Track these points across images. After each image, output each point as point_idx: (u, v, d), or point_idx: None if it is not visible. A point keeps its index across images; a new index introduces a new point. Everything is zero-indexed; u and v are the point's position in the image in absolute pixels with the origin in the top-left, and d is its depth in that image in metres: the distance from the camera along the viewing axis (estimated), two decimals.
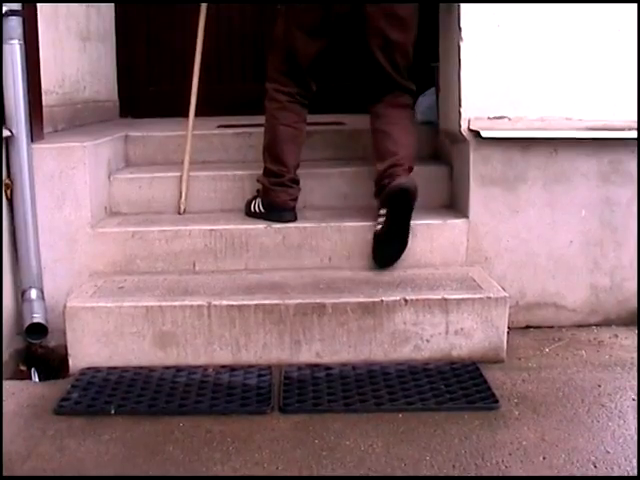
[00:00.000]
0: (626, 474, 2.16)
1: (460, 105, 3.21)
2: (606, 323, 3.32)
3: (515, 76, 3.20)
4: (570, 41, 3.19)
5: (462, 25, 3.16)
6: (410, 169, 3.24)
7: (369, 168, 3.49)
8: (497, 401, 2.56)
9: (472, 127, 3.19)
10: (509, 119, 3.21)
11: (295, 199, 3.38)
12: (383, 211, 3.17)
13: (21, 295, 3.12)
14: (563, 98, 3.22)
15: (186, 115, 3.76)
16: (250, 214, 3.43)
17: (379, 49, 3.18)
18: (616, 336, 3.19)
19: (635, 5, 3.14)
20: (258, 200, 3.42)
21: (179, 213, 3.53)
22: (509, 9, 3.16)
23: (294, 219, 3.34)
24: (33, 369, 3.08)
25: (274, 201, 3.34)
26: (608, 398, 2.61)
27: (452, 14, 3.24)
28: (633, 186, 3.25)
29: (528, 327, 3.29)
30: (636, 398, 2.60)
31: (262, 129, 3.42)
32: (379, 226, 3.18)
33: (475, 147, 3.23)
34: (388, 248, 3.21)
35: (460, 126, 3.22)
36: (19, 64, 3.04)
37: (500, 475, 2.16)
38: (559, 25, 3.18)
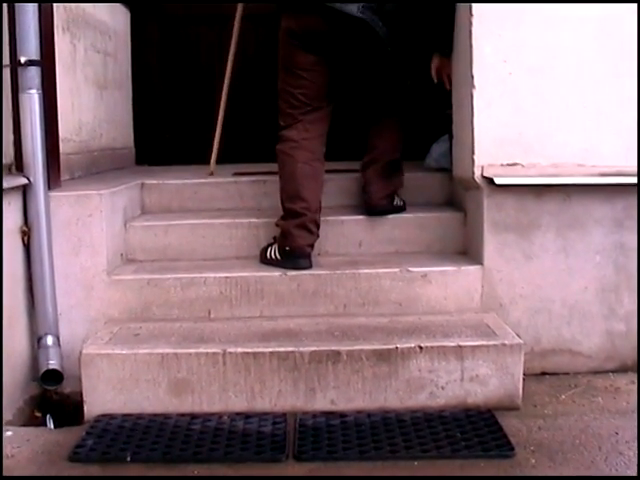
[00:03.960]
0: None
1: (473, 152, 3.22)
2: (622, 369, 3.30)
3: (527, 123, 3.22)
4: (581, 88, 3.22)
5: (474, 73, 3.18)
6: (390, 162, 3.57)
7: (383, 216, 3.55)
8: (513, 449, 2.54)
9: (485, 174, 3.21)
10: (522, 166, 3.23)
11: (312, 245, 3.41)
12: None
13: (37, 341, 3.13)
14: (575, 144, 3.23)
15: (202, 163, 3.85)
16: (265, 261, 3.45)
17: None
18: (633, 382, 3.16)
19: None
20: (274, 247, 3.44)
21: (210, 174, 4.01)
22: (520, 57, 3.19)
23: (309, 266, 3.35)
24: (48, 416, 3.08)
25: (291, 245, 3.35)
26: (626, 446, 2.59)
27: (464, 62, 3.27)
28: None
29: (544, 374, 3.27)
30: None
31: (277, 177, 3.46)
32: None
33: (489, 194, 3.24)
34: None
35: (474, 173, 3.23)
36: (37, 113, 3.08)
37: None
38: (570, 72, 3.21)
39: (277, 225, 3.47)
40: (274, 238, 3.48)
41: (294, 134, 3.43)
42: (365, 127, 3.68)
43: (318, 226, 3.43)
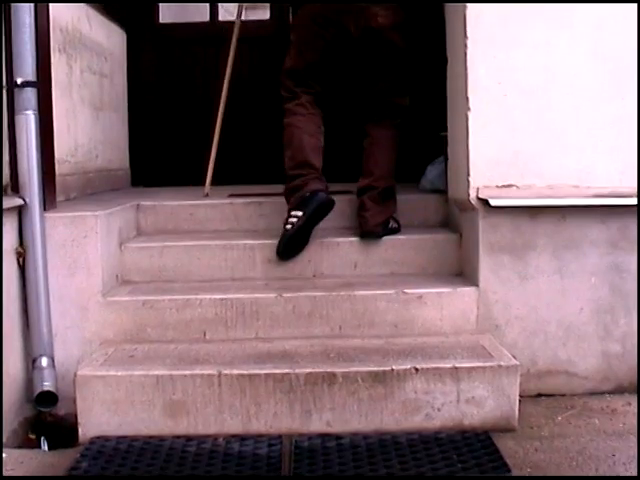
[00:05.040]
0: None
1: (468, 174, 3.24)
2: (619, 390, 3.29)
3: (522, 144, 3.23)
4: (576, 109, 3.23)
5: (469, 95, 3.20)
6: (385, 188, 3.62)
7: (379, 238, 3.56)
8: (510, 470, 2.53)
9: (481, 196, 3.22)
10: (517, 187, 3.24)
11: (327, 188, 3.58)
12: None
13: (32, 363, 3.12)
14: (570, 166, 3.25)
15: (198, 184, 3.86)
16: (285, 232, 3.51)
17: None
18: (629, 404, 3.16)
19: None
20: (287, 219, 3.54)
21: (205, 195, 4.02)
22: (515, 79, 3.21)
23: (333, 201, 3.54)
24: (42, 438, 3.06)
25: (310, 189, 3.49)
26: (623, 467, 2.58)
27: (459, 84, 3.29)
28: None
29: (540, 395, 3.26)
30: None
31: (273, 199, 3.48)
32: None
33: (484, 215, 3.25)
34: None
35: (469, 195, 3.24)
36: (33, 134, 3.08)
37: None
38: (564, 94, 3.23)
39: (286, 192, 3.58)
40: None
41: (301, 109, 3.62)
42: (360, 136, 3.74)
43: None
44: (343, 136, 4.06)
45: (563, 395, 3.26)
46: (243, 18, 4.47)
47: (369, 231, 3.58)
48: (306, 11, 3.62)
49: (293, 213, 3.48)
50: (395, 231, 3.64)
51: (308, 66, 3.63)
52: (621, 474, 2.52)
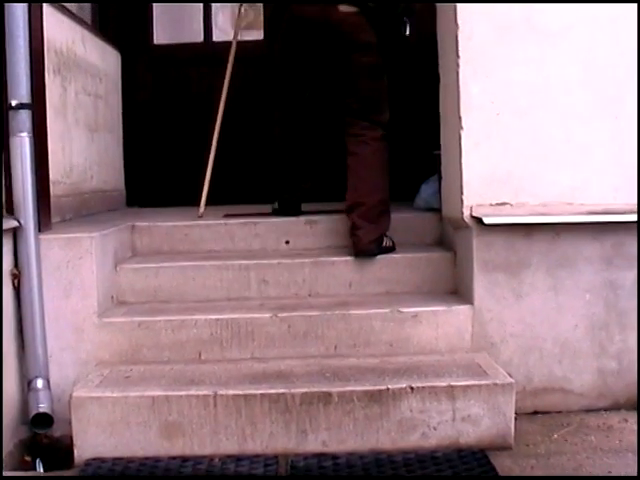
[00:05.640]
0: None
1: (462, 192, 3.25)
2: (615, 407, 3.29)
3: (515, 163, 3.24)
4: (568, 128, 3.25)
5: (462, 114, 3.22)
6: (375, 205, 3.63)
7: (373, 257, 3.58)
8: None
9: (475, 214, 3.22)
10: (511, 205, 3.25)
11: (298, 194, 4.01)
12: None
13: (27, 384, 3.11)
14: (564, 183, 3.26)
15: (193, 204, 3.89)
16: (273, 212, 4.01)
17: None
18: (625, 420, 3.16)
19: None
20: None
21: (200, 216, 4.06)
22: (508, 98, 3.23)
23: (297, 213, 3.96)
24: (38, 460, 3.05)
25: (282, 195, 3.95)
26: None
27: (452, 103, 3.30)
28: (636, 269, 3.27)
29: (536, 412, 3.26)
30: None
31: (268, 219, 3.58)
32: None
33: (478, 233, 3.26)
34: None
35: (463, 213, 3.25)
36: (28, 156, 3.08)
37: None
38: (557, 112, 3.25)
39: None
40: None
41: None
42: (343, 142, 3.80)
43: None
44: (335, 155, 4.07)
45: (559, 412, 3.26)
46: (239, 39, 4.50)
47: (363, 249, 3.58)
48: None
49: None
50: (390, 250, 3.64)
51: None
52: None
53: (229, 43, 4.45)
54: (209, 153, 4.34)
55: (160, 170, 5.42)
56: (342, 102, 3.78)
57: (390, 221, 3.73)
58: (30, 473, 2.90)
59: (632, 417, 3.18)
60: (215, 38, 5.52)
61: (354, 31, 3.63)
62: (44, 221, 3.29)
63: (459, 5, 3.20)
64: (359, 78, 3.69)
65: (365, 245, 3.58)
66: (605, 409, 3.29)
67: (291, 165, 4.06)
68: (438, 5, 3.53)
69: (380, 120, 3.72)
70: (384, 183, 3.70)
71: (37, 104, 3.22)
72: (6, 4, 3.01)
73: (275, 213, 4.08)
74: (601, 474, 2.65)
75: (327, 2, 3.63)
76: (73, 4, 4.34)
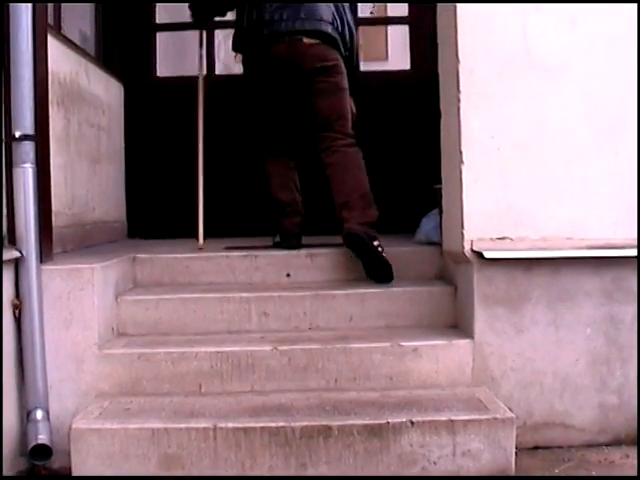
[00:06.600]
0: None
1: (463, 226, 3.25)
2: (616, 442, 3.28)
3: (516, 197, 3.26)
4: (569, 162, 3.27)
5: (462, 149, 3.23)
6: (359, 197, 3.83)
7: (375, 290, 3.58)
8: None
9: (475, 248, 3.23)
10: (511, 239, 3.25)
11: (297, 225, 4.17)
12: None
13: (26, 415, 3.10)
14: (564, 218, 3.27)
15: (195, 236, 3.89)
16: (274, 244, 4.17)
17: None
18: (627, 456, 3.14)
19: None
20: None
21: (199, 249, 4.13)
22: (508, 133, 3.25)
23: (298, 245, 4.05)
24: None
25: (281, 228, 4.16)
26: None
27: (453, 138, 3.32)
28: (636, 303, 3.27)
29: (537, 447, 3.24)
30: None
31: (269, 251, 3.71)
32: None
33: (479, 267, 3.26)
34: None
35: (463, 247, 3.26)
36: (31, 187, 3.09)
37: None
38: (557, 147, 3.26)
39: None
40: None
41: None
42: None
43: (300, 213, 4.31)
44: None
45: (560, 447, 3.24)
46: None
47: (351, 229, 3.70)
48: None
49: None
50: (380, 254, 3.71)
51: None
52: None
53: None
54: (198, 187, 4.40)
55: (162, 202, 5.43)
56: (312, 122, 4.02)
57: (377, 213, 3.87)
58: None
59: (633, 452, 3.16)
60: (217, 72, 5.57)
61: (316, 58, 3.96)
62: (46, 252, 3.29)
63: (460, 40, 3.22)
64: (320, 97, 3.97)
65: (354, 225, 3.71)
66: (606, 444, 3.27)
67: (287, 202, 4.26)
68: (440, 40, 3.56)
69: (345, 131, 3.98)
70: (363, 179, 3.91)
71: (41, 135, 3.23)
72: (11, 34, 3.03)
73: (276, 246, 4.11)
74: None
75: (294, 38, 3.99)
76: (77, 36, 4.37)
